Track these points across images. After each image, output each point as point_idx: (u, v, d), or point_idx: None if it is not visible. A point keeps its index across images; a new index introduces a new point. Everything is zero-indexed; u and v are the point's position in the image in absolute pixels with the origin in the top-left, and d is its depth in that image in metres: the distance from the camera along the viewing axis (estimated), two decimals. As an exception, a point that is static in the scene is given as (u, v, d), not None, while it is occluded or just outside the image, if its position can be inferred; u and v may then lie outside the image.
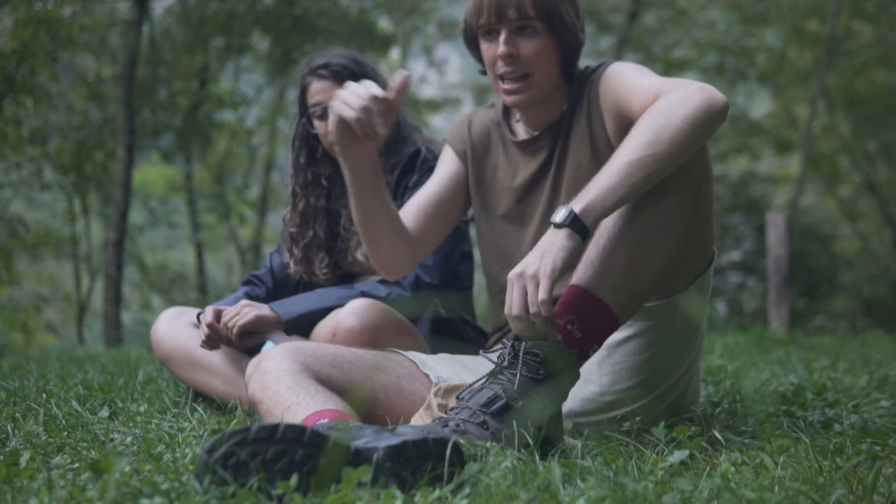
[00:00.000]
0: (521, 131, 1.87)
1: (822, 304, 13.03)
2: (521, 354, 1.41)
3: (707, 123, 1.45)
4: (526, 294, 1.38)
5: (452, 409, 1.41)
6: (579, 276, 1.47)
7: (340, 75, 2.18)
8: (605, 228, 1.48)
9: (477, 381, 1.44)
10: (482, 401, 1.38)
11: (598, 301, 1.45)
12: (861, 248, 14.89)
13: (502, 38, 1.69)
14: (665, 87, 1.54)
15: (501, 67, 1.71)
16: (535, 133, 1.83)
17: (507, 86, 1.72)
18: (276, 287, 2.35)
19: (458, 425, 1.36)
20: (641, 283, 1.49)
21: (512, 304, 1.39)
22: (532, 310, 1.37)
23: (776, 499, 1.03)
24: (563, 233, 1.39)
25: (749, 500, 1.03)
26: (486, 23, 1.71)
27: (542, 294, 1.35)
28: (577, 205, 1.40)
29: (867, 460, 1.30)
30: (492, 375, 1.42)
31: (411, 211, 1.87)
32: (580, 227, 1.39)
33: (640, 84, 1.61)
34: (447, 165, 1.95)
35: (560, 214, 1.40)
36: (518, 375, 1.40)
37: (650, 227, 1.47)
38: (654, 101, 1.51)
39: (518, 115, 1.87)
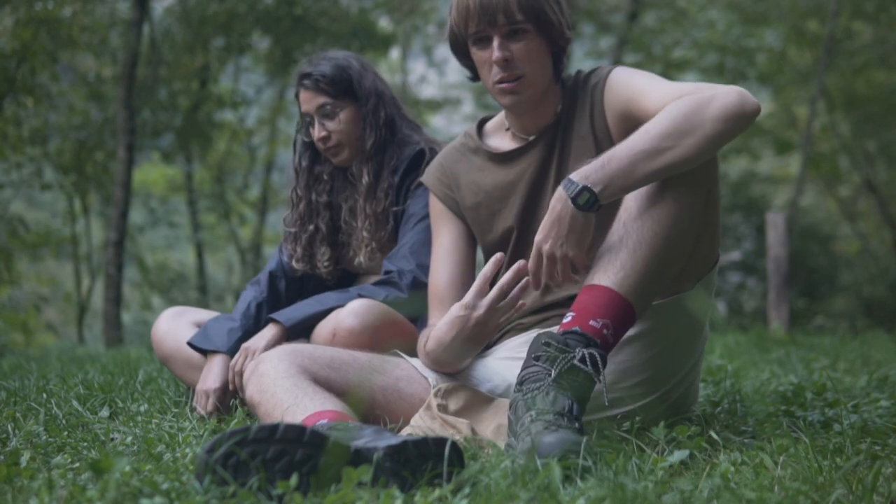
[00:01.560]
0: (508, 143, 1.86)
1: (821, 304, 13.04)
2: (575, 363, 1.40)
3: (738, 123, 1.49)
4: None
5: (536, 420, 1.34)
6: (614, 279, 1.47)
7: (319, 84, 2.19)
8: (632, 230, 1.49)
9: (535, 385, 1.39)
10: (561, 408, 1.35)
11: (629, 305, 1.47)
12: (861, 248, 14.89)
13: (496, 43, 1.68)
14: (692, 89, 1.56)
15: (498, 73, 1.70)
16: (529, 138, 1.82)
17: (504, 86, 1.71)
18: (287, 282, 2.33)
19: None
20: (659, 283, 1.52)
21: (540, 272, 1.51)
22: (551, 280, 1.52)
23: (776, 499, 1.03)
24: (575, 212, 1.47)
25: (749, 499, 1.03)
26: (476, 30, 1.70)
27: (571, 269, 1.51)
28: (597, 186, 1.45)
29: (867, 460, 1.30)
30: (555, 381, 1.39)
31: (446, 288, 1.86)
32: (592, 207, 1.47)
33: (658, 88, 1.63)
34: (446, 228, 1.91)
35: (580, 196, 1.46)
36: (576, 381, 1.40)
37: (672, 229, 1.50)
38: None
39: (508, 124, 1.86)
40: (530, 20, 1.68)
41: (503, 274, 1.60)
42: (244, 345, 2.04)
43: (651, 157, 1.45)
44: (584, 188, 1.45)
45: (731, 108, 1.48)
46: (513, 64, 1.69)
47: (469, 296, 1.59)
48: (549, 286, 1.67)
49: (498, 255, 1.60)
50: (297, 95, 2.26)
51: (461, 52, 1.79)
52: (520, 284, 1.57)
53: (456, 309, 1.61)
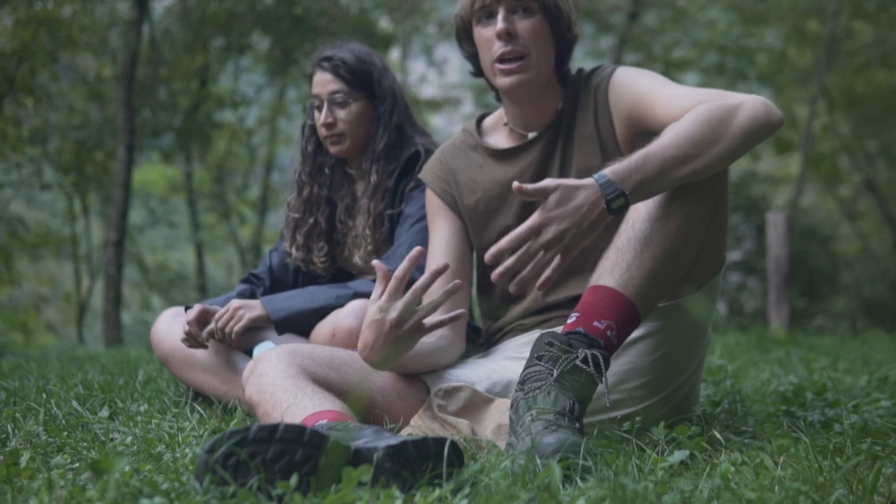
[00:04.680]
0: (507, 140, 1.85)
1: (822, 304, 13.04)
2: (577, 363, 1.39)
3: (764, 133, 1.50)
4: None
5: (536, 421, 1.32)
6: (619, 281, 1.46)
7: (339, 70, 2.19)
8: (641, 232, 1.49)
9: (536, 384, 1.38)
10: (562, 408, 1.34)
11: (633, 306, 1.46)
12: (861, 248, 14.89)
13: (500, 15, 1.69)
14: (706, 95, 1.56)
15: (500, 48, 1.70)
16: (528, 135, 1.81)
17: (504, 66, 1.71)
18: (273, 286, 2.36)
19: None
20: (664, 286, 1.51)
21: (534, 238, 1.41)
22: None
23: (776, 499, 1.03)
24: (604, 213, 1.41)
25: (749, 500, 1.03)
26: (482, 5, 1.71)
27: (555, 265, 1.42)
28: (629, 190, 1.41)
29: (867, 460, 1.30)
30: (557, 381, 1.38)
31: (440, 284, 1.76)
32: (620, 211, 1.42)
33: (668, 93, 1.62)
34: (443, 223, 1.89)
35: (616, 202, 1.41)
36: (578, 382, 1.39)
37: (679, 233, 1.49)
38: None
39: (506, 119, 1.85)
40: (538, 0, 1.68)
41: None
42: (232, 302, 2.06)
43: (681, 163, 1.44)
44: (621, 193, 1.41)
45: (758, 118, 1.49)
46: (515, 39, 1.69)
47: (383, 298, 1.51)
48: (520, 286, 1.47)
49: (417, 248, 1.49)
50: (310, 77, 2.26)
51: (466, 38, 1.79)
52: (447, 287, 1.48)
53: (372, 311, 1.52)
